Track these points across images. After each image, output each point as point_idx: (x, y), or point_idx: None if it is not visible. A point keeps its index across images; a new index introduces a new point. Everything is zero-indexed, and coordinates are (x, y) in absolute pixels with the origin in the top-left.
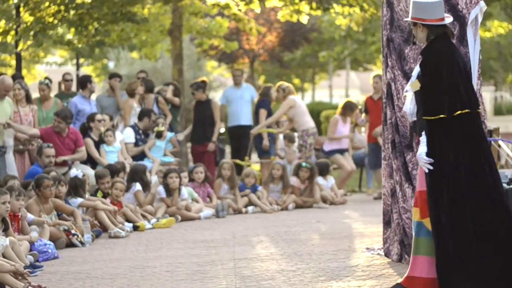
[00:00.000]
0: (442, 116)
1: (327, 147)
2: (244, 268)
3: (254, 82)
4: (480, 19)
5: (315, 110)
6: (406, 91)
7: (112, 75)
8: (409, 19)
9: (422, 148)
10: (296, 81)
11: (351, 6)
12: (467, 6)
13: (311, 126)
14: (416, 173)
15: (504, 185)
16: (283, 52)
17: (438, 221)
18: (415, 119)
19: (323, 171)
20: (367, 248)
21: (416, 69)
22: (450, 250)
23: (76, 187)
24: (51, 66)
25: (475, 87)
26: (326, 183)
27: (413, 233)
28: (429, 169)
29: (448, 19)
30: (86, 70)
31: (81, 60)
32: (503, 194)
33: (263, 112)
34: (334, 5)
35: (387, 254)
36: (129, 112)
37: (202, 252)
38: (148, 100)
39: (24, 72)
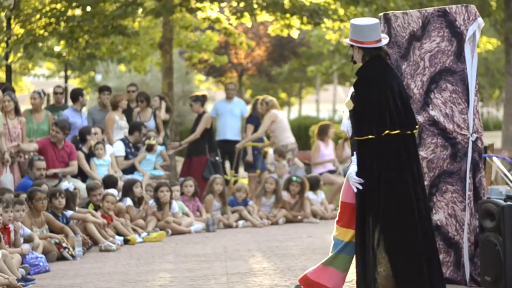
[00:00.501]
0: (370, 136)
1: (314, 171)
2: (237, 283)
3: (241, 96)
4: (478, 35)
5: (303, 125)
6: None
7: (102, 89)
8: (347, 40)
9: (353, 168)
10: (283, 95)
11: (342, 21)
12: (464, 23)
13: (291, 142)
14: None
15: (501, 201)
16: (272, 66)
17: (363, 238)
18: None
19: (314, 185)
20: None
21: (351, 89)
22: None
23: (67, 200)
24: (38, 78)
25: (471, 103)
26: (316, 198)
27: (336, 250)
28: (358, 188)
29: (385, 40)
30: (73, 82)
31: (68, 73)
32: (430, 220)
33: (249, 127)
34: (325, 19)
35: None
36: (111, 126)
37: (195, 267)
38: (145, 113)
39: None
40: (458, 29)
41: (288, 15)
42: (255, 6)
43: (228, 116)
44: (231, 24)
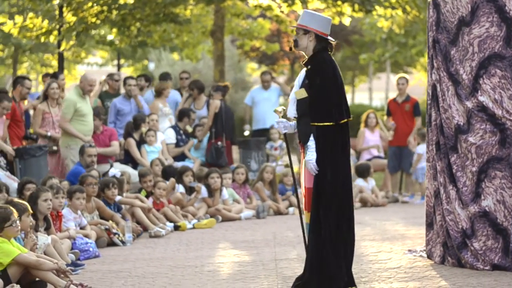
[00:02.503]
0: (329, 123)
1: (362, 158)
2: (285, 269)
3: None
4: None
5: (355, 112)
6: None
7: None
8: (301, 24)
9: (312, 155)
10: None
11: (393, 8)
12: None
13: None
14: (460, 174)
15: None
16: None
17: (317, 217)
18: None
19: (364, 172)
20: (409, 250)
21: (299, 78)
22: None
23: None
24: (92, 67)
25: None
26: (366, 185)
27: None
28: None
29: (330, 37)
30: (126, 71)
31: (122, 61)
32: None
33: None
34: (377, 7)
35: (429, 256)
36: (156, 114)
37: (243, 253)
38: (199, 101)
39: (65, 72)
40: (507, 14)
41: (339, 2)
42: None
43: (266, 104)
44: (282, 12)
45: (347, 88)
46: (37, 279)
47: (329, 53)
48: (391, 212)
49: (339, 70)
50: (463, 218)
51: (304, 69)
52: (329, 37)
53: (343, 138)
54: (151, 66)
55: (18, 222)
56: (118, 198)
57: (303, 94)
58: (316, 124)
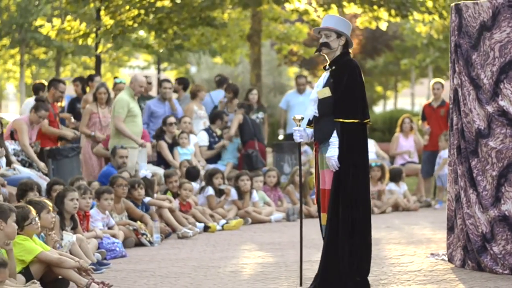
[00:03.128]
0: (355, 121)
1: (395, 163)
2: (307, 270)
3: None
4: None
5: (395, 117)
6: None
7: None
8: (333, 28)
9: (335, 151)
10: (379, 88)
11: (430, 13)
12: None
13: None
14: (481, 179)
15: None
16: (364, 59)
17: (335, 218)
18: None
19: (396, 177)
20: (432, 254)
21: (322, 79)
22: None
23: (145, 187)
24: (134, 70)
25: None
26: (398, 189)
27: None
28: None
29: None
30: (169, 74)
31: (165, 65)
32: None
33: None
34: (414, 12)
35: (450, 260)
36: (190, 116)
37: (268, 254)
38: (233, 104)
39: (108, 75)
40: None
41: (375, 7)
42: None
43: (300, 108)
44: (318, 16)
45: (389, 93)
46: (59, 277)
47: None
48: (422, 217)
49: (362, 74)
50: (483, 222)
51: (326, 71)
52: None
53: (364, 138)
54: (193, 69)
55: (37, 219)
56: (147, 199)
57: (326, 93)
58: (341, 120)
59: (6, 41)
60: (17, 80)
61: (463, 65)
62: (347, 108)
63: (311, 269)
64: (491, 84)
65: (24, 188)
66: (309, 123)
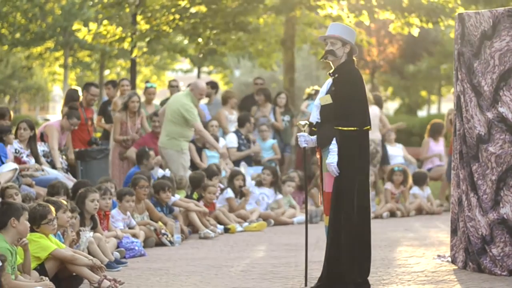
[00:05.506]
0: (353, 128)
1: (424, 167)
2: (315, 270)
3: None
4: None
5: None
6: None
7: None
8: (339, 36)
9: (334, 158)
10: (423, 93)
11: None
12: None
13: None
14: (481, 183)
15: None
16: (405, 64)
17: (337, 220)
18: None
19: (420, 181)
20: (438, 256)
21: (325, 85)
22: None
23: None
24: (177, 73)
25: None
26: (422, 193)
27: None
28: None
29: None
30: (215, 77)
31: (210, 68)
32: None
33: None
34: (443, 18)
35: (453, 261)
36: (224, 119)
37: (282, 255)
38: (265, 108)
39: (154, 78)
40: None
41: (406, 13)
42: (374, 3)
43: None
44: (350, 22)
45: (434, 98)
46: (74, 273)
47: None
48: (443, 220)
49: (363, 82)
50: (483, 224)
51: (331, 78)
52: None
53: (364, 144)
54: (237, 73)
55: (55, 221)
56: (173, 199)
57: (328, 100)
58: (340, 128)
59: (50, 44)
60: (62, 83)
61: (466, 73)
62: (346, 116)
63: (319, 269)
64: (491, 91)
65: (51, 191)
66: (314, 126)
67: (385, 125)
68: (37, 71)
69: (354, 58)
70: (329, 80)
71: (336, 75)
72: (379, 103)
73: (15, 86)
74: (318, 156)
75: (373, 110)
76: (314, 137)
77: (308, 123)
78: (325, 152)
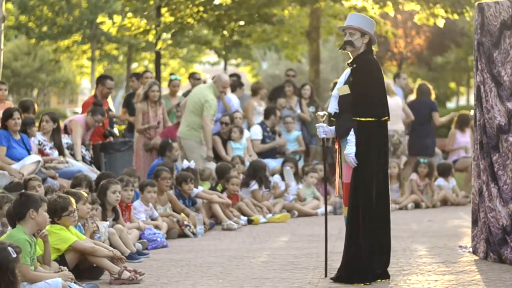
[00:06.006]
0: (371, 119)
1: (450, 159)
2: (335, 261)
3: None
4: None
5: None
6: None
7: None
8: (357, 27)
9: (352, 148)
10: (452, 84)
11: None
12: None
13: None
14: (502, 173)
15: None
16: (433, 55)
17: (355, 211)
18: None
19: (445, 172)
20: (460, 246)
21: (344, 76)
22: (360, 239)
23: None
24: (204, 66)
25: None
26: (447, 184)
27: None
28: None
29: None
30: (243, 70)
31: (238, 60)
32: None
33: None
34: (468, 8)
35: (474, 252)
36: (251, 111)
37: (304, 246)
38: (292, 100)
39: (182, 71)
40: None
41: (431, 4)
42: None
43: None
44: (375, 13)
45: (463, 90)
46: (94, 265)
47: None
48: (468, 211)
49: (382, 72)
50: (504, 215)
51: (349, 68)
52: (375, 40)
53: (382, 135)
54: (264, 65)
55: (75, 213)
56: (196, 191)
57: (346, 90)
58: (358, 119)
59: (77, 37)
60: (90, 76)
61: (485, 63)
62: (364, 107)
63: (339, 260)
64: (511, 81)
65: (74, 183)
66: (332, 117)
67: (409, 116)
68: (65, 64)
69: (373, 49)
70: (348, 70)
71: (354, 65)
72: (427, 93)
73: (43, 80)
74: (336, 146)
75: (396, 100)
76: (333, 127)
77: (327, 113)
78: (343, 142)
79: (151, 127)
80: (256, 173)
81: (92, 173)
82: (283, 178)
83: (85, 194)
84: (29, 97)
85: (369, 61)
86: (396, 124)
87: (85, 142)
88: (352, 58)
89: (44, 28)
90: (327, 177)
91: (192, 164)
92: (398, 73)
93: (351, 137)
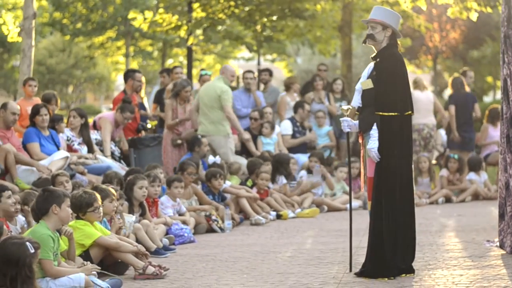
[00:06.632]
0: (394, 114)
1: (482, 153)
2: (361, 256)
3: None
4: None
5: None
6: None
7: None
8: (379, 20)
9: (374, 143)
10: (489, 78)
11: None
12: None
13: (417, 122)
14: None
15: None
16: (468, 49)
17: (379, 206)
18: None
19: (475, 166)
20: (488, 241)
21: (368, 70)
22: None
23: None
24: (238, 61)
25: None
26: (479, 179)
27: None
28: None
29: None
30: (278, 65)
31: (274, 56)
32: None
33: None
34: (501, 1)
35: (501, 246)
36: (284, 107)
37: (331, 240)
38: (319, 94)
39: (217, 66)
40: None
41: None
42: None
43: None
44: (407, 7)
45: (499, 83)
46: (119, 260)
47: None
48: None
49: (406, 66)
50: None
51: (373, 62)
52: (400, 34)
53: (406, 130)
54: (299, 60)
55: (101, 209)
56: (224, 185)
57: (369, 85)
58: (381, 113)
59: (112, 33)
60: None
61: None
62: (386, 101)
63: (365, 255)
64: None
65: (104, 180)
66: (357, 111)
67: (440, 110)
68: (99, 60)
69: (398, 42)
70: (371, 64)
71: (378, 60)
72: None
73: (78, 76)
74: (360, 141)
75: (427, 95)
76: (357, 121)
77: (351, 107)
78: (367, 137)
79: (182, 120)
80: (279, 166)
81: (121, 170)
82: (310, 173)
83: (114, 192)
84: (64, 94)
85: (392, 55)
86: (427, 118)
87: (114, 139)
88: (375, 51)
89: (79, 25)
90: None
91: (217, 159)
92: (465, 71)
93: (374, 132)
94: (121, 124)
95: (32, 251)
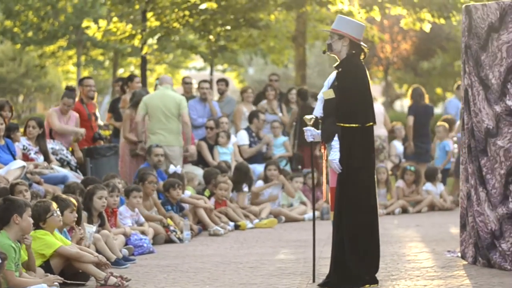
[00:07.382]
0: (355, 125)
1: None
2: (323, 266)
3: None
4: None
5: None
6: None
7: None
8: (335, 29)
9: (336, 154)
10: (439, 90)
11: None
12: None
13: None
14: (490, 177)
15: None
16: (419, 60)
17: (341, 216)
18: None
19: (431, 177)
20: (448, 251)
21: (329, 79)
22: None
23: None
24: (190, 71)
25: None
26: (435, 189)
27: None
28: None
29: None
30: (229, 75)
31: (225, 66)
32: None
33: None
34: (454, 12)
35: (463, 257)
36: (239, 117)
37: (291, 251)
38: (273, 104)
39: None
40: None
41: (417, 8)
42: None
43: None
44: (361, 18)
45: (449, 95)
46: (80, 270)
47: (361, 58)
48: (455, 216)
49: (368, 76)
50: (492, 219)
51: (335, 71)
52: (361, 43)
53: (367, 141)
54: (251, 71)
55: (58, 212)
56: (183, 195)
57: (331, 95)
58: (341, 124)
59: (63, 42)
60: (76, 81)
61: (473, 66)
62: (347, 112)
63: (327, 265)
64: (499, 84)
65: (67, 190)
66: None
67: (387, 124)
68: (50, 69)
69: (364, 52)
70: (334, 74)
71: (340, 69)
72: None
73: (29, 85)
74: (323, 150)
75: (378, 107)
76: (320, 131)
77: (314, 117)
78: (329, 147)
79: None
80: (245, 175)
81: (77, 179)
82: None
83: (74, 202)
84: (14, 103)
85: (354, 65)
86: (378, 130)
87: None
88: (338, 61)
89: (30, 34)
90: (318, 183)
91: (178, 169)
92: (459, 85)
93: (335, 143)
94: (65, 113)
95: None
